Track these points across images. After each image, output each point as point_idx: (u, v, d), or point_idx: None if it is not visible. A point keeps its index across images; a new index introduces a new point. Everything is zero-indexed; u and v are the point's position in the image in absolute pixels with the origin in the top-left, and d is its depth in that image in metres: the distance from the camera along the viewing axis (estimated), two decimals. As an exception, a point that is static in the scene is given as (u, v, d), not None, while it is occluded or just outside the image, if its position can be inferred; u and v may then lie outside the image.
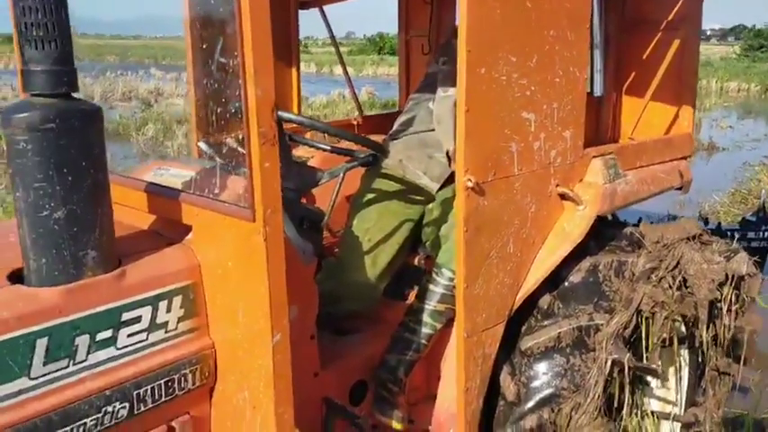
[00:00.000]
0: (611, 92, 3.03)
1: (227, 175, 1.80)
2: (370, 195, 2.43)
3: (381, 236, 2.34)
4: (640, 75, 2.94)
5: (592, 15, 2.28)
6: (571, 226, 2.18)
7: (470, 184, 1.86)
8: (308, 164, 2.63)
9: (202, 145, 2.40)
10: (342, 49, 3.85)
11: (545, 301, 2.20)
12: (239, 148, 2.39)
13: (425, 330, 2.25)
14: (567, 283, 2.21)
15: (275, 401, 1.57)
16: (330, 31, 3.50)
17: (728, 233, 4.68)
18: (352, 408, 2.21)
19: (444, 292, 2.23)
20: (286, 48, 3.35)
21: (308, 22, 3.66)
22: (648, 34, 2.91)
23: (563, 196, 2.19)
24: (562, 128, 2.15)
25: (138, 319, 1.55)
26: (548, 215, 2.17)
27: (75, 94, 1.45)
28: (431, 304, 2.25)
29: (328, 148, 2.34)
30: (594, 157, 2.30)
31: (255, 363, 1.58)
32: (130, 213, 1.84)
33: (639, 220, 5.15)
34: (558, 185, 2.17)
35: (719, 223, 5.08)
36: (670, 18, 2.81)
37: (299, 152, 2.86)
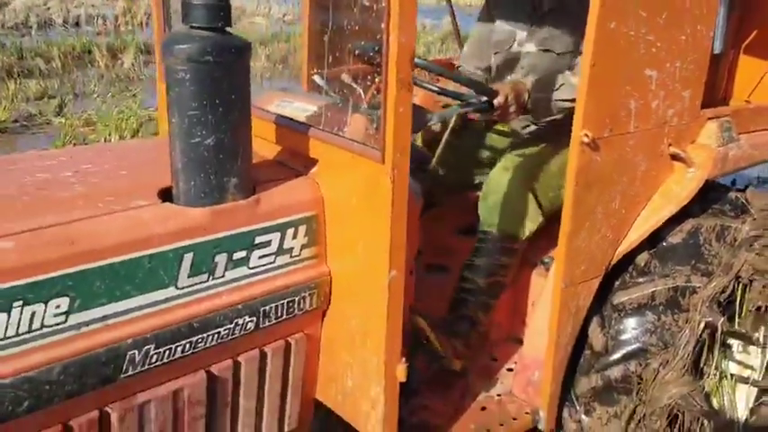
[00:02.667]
0: (729, 50, 2.92)
1: (354, 112, 1.87)
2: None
3: None
4: (761, 34, 2.82)
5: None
6: (679, 187, 2.18)
7: (587, 140, 1.88)
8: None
9: (317, 78, 2.46)
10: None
11: (643, 258, 2.22)
12: (355, 87, 2.45)
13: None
14: (666, 244, 2.22)
15: (387, 331, 1.68)
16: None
17: None
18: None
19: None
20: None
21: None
22: None
23: (674, 157, 2.18)
24: (682, 87, 2.11)
25: (268, 243, 1.67)
26: (657, 175, 2.17)
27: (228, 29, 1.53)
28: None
29: (436, 89, 2.36)
30: (710, 119, 2.26)
31: (371, 295, 1.69)
32: (261, 143, 1.95)
33: (733, 183, 5.01)
34: (670, 145, 2.16)
35: None
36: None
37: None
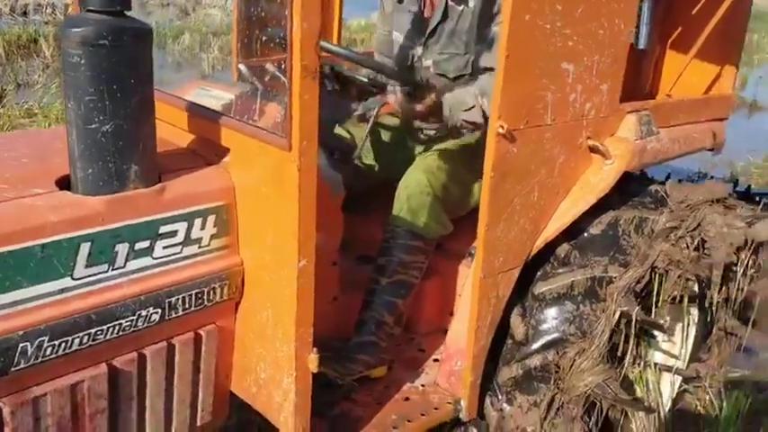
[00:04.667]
0: (654, 46, 2.98)
1: (266, 101, 1.85)
2: None
3: None
4: (687, 30, 2.88)
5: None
6: (597, 179, 2.21)
7: (502, 131, 1.89)
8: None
9: (242, 68, 2.43)
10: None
11: (563, 249, 2.25)
12: (279, 75, 2.42)
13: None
14: (586, 235, 2.26)
15: (296, 321, 1.67)
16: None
17: (758, 197, 4.65)
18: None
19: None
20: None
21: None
22: None
23: (593, 149, 2.21)
24: (600, 81, 2.14)
25: (173, 233, 1.64)
26: (575, 167, 2.20)
27: (127, 13, 1.49)
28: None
29: (365, 80, 2.35)
30: (629, 112, 2.30)
31: (281, 284, 1.68)
32: (172, 131, 1.91)
33: (668, 177, 5.12)
34: (589, 138, 2.19)
35: (749, 186, 5.03)
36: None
37: None
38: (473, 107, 2.25)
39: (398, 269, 2.26)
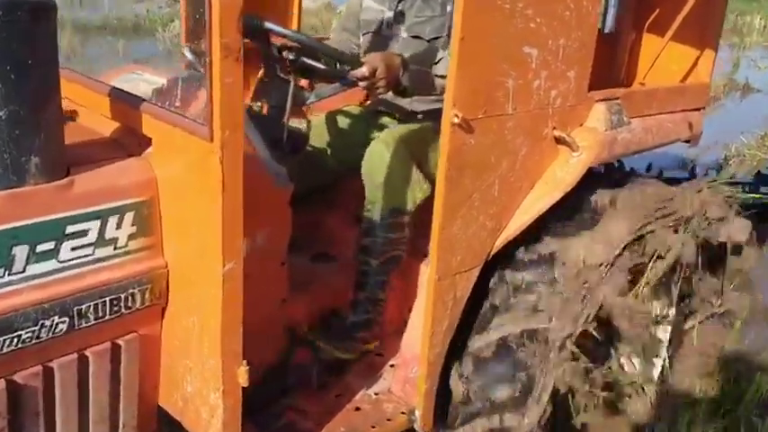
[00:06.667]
0: (628, 31, 2.82)
1: (196, 86, 1.67)
2: None
3: None
4: (664, 14, 2.72)
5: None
6: (563, 172, 2.05)
7: (456, 120, 1.73)
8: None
9: (186, 51, 2.26)
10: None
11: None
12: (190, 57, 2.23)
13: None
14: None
15: (222, 331, 1.50)
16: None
17: (740, 185, 4.58)
18: (317, 336, 2.16)
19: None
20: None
21: None
22: None
23: (559, 140, 2.05)
24: (566, 67, 1.98)
25: (84, 233, 1.46)
26: (540, 159, 2.04)
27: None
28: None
29: (322, 67, 2.17)
30: (598, 101, 2.14)
31: (206, 290, 1.51)
32: (96, 119, 1.73)
33: (649, 167, 4.99)
34: (554, 129, 2.03)
35: (733, 175, 4.93)
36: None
37: None
38: (442, 59, 2.14)
39: (386, 248, 2.16)
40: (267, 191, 1.76)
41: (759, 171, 4.98)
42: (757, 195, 4.46)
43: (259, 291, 1.79)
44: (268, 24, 1.93)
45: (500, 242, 2.03)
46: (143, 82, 1.84)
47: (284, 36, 1.98)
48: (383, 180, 2.09)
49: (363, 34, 2.46)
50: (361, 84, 2.04)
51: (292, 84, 2.00)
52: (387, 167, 2.09)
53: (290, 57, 1.94)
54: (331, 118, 2.47)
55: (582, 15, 1.96)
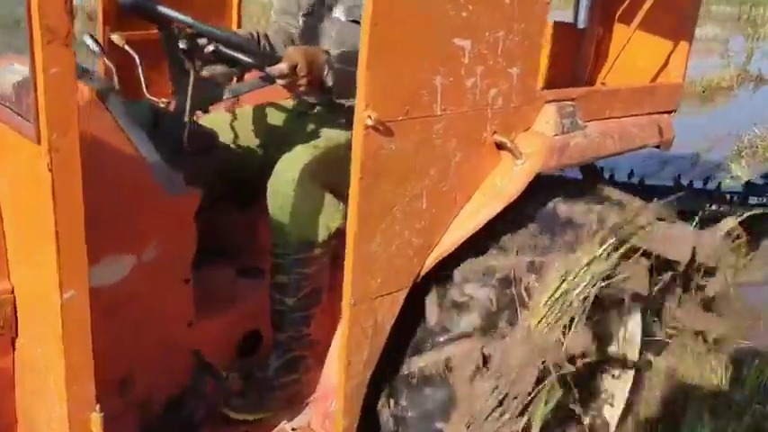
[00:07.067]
0: (595, 25, 2.56)
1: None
2: None
3: None
4: (633, 6, 2.46)
5: None
6: (505, 182, 1.80)
7: (370, 122, 1.48)
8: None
9: (87, 39, 2.02)
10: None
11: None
12: (129, 50, 2.02)
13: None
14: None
15: (68, 374, 1.25)
16: None
17: (728, 195, 4.38)
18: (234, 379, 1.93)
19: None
20: None
21: None
22: None
23: (500, 146, 1.80)
24: (507, 63, 1.73)
25: None
26: (478, 167, 1.79)
27: None
28: None
29: (244, 57, 1.92)
30: (549, 102, 1.89)
31: (48, 320, 1.26)
32: None
33: (631, 173, 4.75)
34: (495, 133, 1.78)
35: (719, 184, 4.70)
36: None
37: None
38: None
39: (302, 284, 1.93)
40: (153, 199, 1.52)
41: (749, 181, 4.75)
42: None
43: (156, 312, 1.58)
44: (161, 8, 1.68)
45: (431, 261, 1.78)
46: (12, 74, 1.58)
47: (185, 24, 1.74)
48: (290, 210, 1.85)
49: (301, 16, 2.22)
50: (279, 81, 1.80)
51: (192, 77, 1.75)
52: (293, 193, 1.84)
53: (184, 46, 1.69)
54: (259, 110, 2.23)
55: (526, 3, 1.71)
